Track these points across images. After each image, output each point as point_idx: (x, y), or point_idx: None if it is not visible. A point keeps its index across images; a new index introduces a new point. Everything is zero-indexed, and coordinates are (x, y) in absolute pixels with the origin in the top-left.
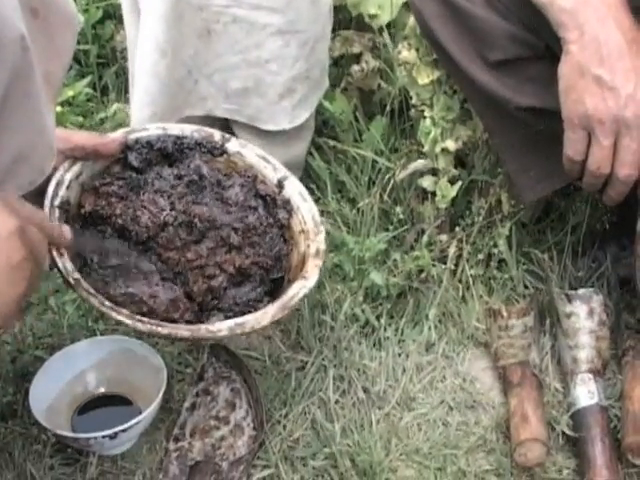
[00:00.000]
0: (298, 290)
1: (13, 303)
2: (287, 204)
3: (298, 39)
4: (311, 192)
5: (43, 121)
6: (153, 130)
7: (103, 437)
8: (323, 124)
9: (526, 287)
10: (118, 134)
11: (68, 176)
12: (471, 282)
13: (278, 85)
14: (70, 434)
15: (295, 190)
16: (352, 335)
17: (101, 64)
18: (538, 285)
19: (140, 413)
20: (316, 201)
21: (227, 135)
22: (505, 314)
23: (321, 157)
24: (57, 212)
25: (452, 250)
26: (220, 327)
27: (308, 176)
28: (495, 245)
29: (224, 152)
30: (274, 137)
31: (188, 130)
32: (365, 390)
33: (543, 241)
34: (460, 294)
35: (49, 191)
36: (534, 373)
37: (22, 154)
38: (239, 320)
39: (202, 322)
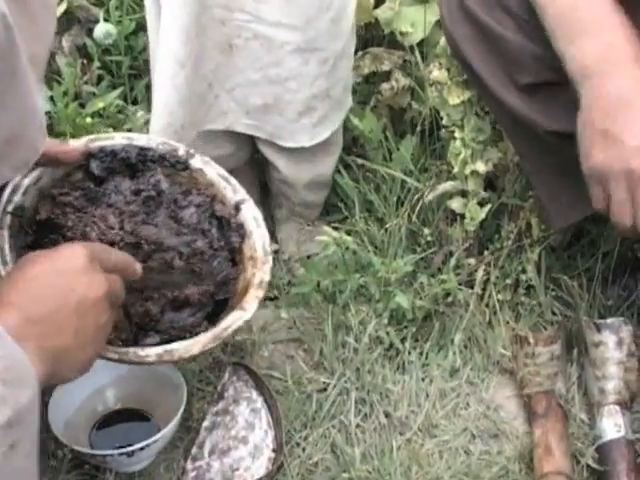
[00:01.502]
0: (233, 321)
1: (92, 358)
2: (241, 228)
3: (318, 57)
4: (338, 211)
5: (32, 100)
6: (118, 139)
7: (120, 455)
8: (352, 142)
9: (554, 314)
10: (80, 143)
11: (26, 181)
12: (498, 307)
13: (297, 103)
14: (87, 450)
15: (250, 214)
16: (375, 358)
17: (133, 75)
18: (566, 312)
19: (159, 430)
20: (343, 220)
21: (192, 151)
22: (532, 341)
23: (349, 176)
24: (8, 218)
25: (480, 274)
26: (148, 353)
27: (336, 194)
28: (524, 270)
29: (187, 167)
30: (300, 154)
31: (154, 142)
32: (387, 415)
33: (573, 267)
34: (487, 319)
35: (4, 196)
36: (560, 404)
37: (15, 134)
38: (168, 347)
39: (138, 342)
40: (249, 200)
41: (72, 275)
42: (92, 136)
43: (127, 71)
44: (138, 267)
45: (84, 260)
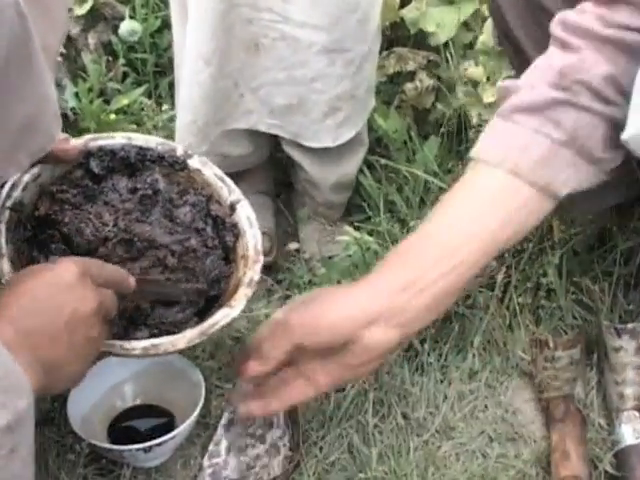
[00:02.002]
0: (221, 318)
1: (84, 370)
2: (235, 227)
3: (344, 58)
4: (361, 211)
5: (46, 87)
6: (118, 139)
7: (137, 450)
8: (376, 142)
9: (575, 318)
10: (80, 141)
11: (26, 178)
12: (518, 310)
13: (322, 103)
14: (104, 445)
15: (244, 214)
16: (394, 359)
17: (157, 73)
18: (587, 316)
19: (176, 426)
20: (365, 220)
21: (190, 151)
22: (552, 345)
23: (372, 176)
24: (7, 213)
25: (500, 277)
26: (135, 346)
27: (358, 194)
28: (544, 274)
29: (185, 167)
30: (325, 154)
31: (153, 142)
32: (405, 416)
33: (594, 271)
34: (506, 322)
35: (3, 192)
36: (578, 408)
37: (31, 121)
38: (155, 341)
39: (129, 335)
40: (244, 200)
41: (63, 290)
42: (93, 135)
43: (152, 68)
44: (131, 281)
45: (75, 275)
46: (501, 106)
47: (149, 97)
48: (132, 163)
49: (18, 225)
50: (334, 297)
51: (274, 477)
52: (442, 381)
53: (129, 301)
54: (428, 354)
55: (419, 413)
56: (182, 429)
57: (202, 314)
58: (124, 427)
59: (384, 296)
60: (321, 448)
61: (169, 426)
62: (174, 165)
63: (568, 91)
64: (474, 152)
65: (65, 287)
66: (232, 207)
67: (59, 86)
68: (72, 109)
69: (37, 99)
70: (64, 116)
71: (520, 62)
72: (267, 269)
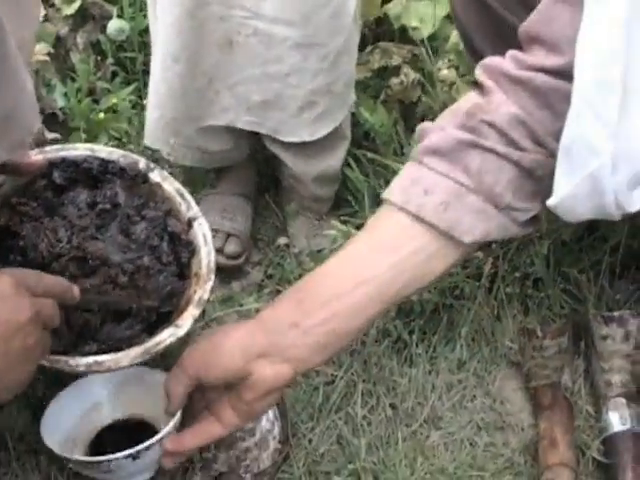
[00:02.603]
0: (166, 337)
1: (26, 378)
2: (190, 245)
3: (317, 53)
4: (349, 205)
5: (23, 81)
6: (81, 150)
7: (125, 457)
8: (363, 136)
9: (562, 307)
10: (40, 156)
11: None
12: (506, 300)
13: (298, 98)
14: (89, 458)
15: (201, 232)
16: (383, 350)
17: (146, 72)
18: (575, 306)
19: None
20: (353, 214)
21: (152, 165)
22: (540, 334)
23: (360, 170)
24: None
25: (487, 267)
26: (79, 362)
27: (346, 188)
28: (532, 263)
29: (146, 180)
30: (306, 148)
31: (115, 155)
32: (393, 407)
33: (581, 261)
34: (494, 312)
35: None
36: (565, 396)
37: (9, 114)
38: (99, 359)
39: (77, 348)
40: (201, 217)
41: None
42: (57, 146)
43: (141, 67)
44: (75, 291)
45: (9, 286)
46: (416, 148)
47: (139, 96)
48: (94, 175)
49: None
50: (224, 333)
51: (264, 469)
52: (430, 372)
53: (78, 315)
54: (416, 345)
55: (408, 404)
56: (169, 429)
57: (154, 329)
58: (105, 446)
59: (271, 332)
60: (310, 440)
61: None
62: (135, 178)
63: (474, 132)
64: (384, 193)
65: None
66: (189, 223)
67: (48, 86)
68: (61, 109)
69: (14, 93)
70: (53, 116)
71: None
72: (238, 270)
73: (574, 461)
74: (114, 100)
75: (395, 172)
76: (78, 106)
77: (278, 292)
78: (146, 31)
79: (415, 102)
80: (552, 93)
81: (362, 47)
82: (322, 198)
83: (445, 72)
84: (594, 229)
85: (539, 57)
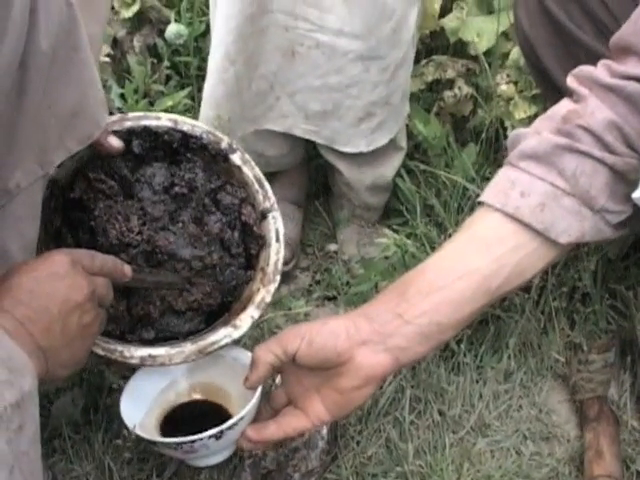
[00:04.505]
0: (222, 337)
1: (83, 356)
2: (261, 238)
3: (378, 65)
4: (399, 215)
5: (92, 74)
6: (164, 120)
7: (209, 437)
8: (414, 148)
9: (609, 323)
10: (119, 142)
11: None
12: (553, 314)
13: (357, 109)
14: (175, 440)
15: (274, 226)
16: (431, 358)
17: (201, 76)
18: (621, 322)
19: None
20: (403, 224)
21: (235, 145)
22: (586, 348)
23: (411, 180)
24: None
25: (536, 281)
26: (133, 354)
27: (396, 198)
28: (580, 279)
29: (226, 160)
30: (361, 158)
31: (199, 130)
32: (441, 413)
33: (628, 277)
34: (542, 325)
35: None
36: (611, 409)
37: (78, 107)
38: (153, 352)
39: (135, 333)
40: (277, 211)
41: (55, 280)
42: (139, 113)
43: (195, 72)
44: (127, 269)
45: (67, 265)
46: (510, 152)
47: (192, 100)
48: (174, 148)
49: (51, 199)
50: (327, 320)
51: (311, 469)
52: (478, 381)
53: (140, 306)
54: (464, 354)
55: (455, 411)
56: (250, 407)
57: (212, 319)
58: (172, 423)
59: (375, 322)
60: (358, 442)
61: (221, 419)
62: (215, 157)
63: (570, 136)
64: (481, 196)
65: (57, 276)
66: (263, 214)
67: (104, 87)
68: (118, 109)
69: (84, 85)
70: (110, 115)
71: (552, 92)
72: (287, 275)
73: (619, 473)
74: (169, 103)
75: (445, 184)
76: (135, 107)
77: (326, 297)
78: (202, 36)
79: (466, 116)
80: None
81: (416, 60)
82: (373, 207)
83: (504, 87)
84: (638, 247)
85: (630, 66)
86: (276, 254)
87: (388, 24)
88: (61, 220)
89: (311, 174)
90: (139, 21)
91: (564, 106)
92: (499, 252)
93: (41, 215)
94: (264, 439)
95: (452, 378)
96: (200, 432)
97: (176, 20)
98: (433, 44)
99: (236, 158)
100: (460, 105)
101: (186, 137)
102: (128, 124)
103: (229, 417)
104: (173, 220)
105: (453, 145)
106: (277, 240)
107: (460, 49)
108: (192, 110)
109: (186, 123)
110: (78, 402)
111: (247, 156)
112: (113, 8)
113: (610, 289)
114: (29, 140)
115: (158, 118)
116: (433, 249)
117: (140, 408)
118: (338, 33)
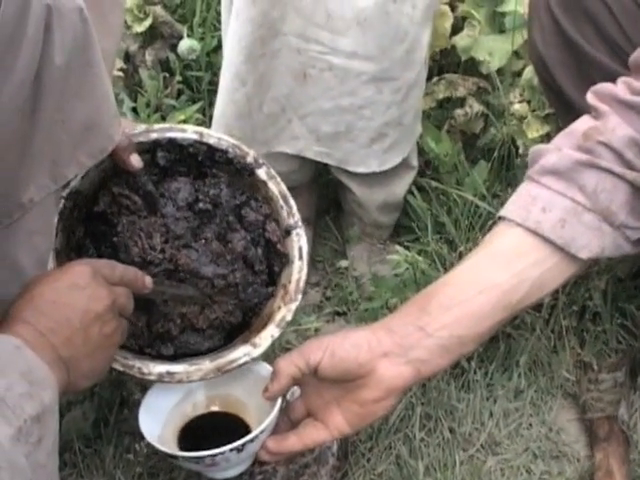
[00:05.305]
0: (241, 356)
1: (104, 366)
2: (284, 257)
3: (391, 86)
4: (409, 232)
5: (106, 89)
6: (190, 133)
7: (231, 450)
8: (425, 165)
9: (619, 342)
10: (139, 160)
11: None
12: (564, 332)
13: (370, 130)
14: (196, 454)
15: (297, 244)
16: (442, 375)
17: (212, 91)
18: (631, 341)
19: (249, 431)
20: (414, 241)
21: (261, 160)
22: (596, 367)
23: (422, 197)
24: (61, 204)
25: (547, 299)
26: (151, 371)
27: (407, 215)
28: (590, 298)
29: (252, 175)
30: (372, 177)
31: (225, 143)
32: (451, 431)
33: (639, 297)
34: (552, 344)
35: None
36: (622, 429)
37: (91, 121)
38: (171, 369)
39: (153, 347)
40: (301, 227)
41: (76, 290)
42: (165, 125)
43: (206, 87)
44: (147, 280)
45: (87, 276)
46: (531, 168)
47: (203, 114)
48: (199, 161)
49: (74, 209)
50: (348, 332)
51: None
52: (488, 398)
53: (160, 323)
54: (474, 372)
55: (465, 428)
56: (272, 418)
57: (233, 335)
58: (191, 436)
59: (396, 334)
60: (369, 459)
61: (241, 431)
62: (241, 171)
63: (590, 153)
64: (501, 211)
65: (78, 287)
66: (287, 231)
67: (117, 100)
68: None
69: (97, 100)
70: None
71: (566, 112)
72: None
73: None
74: (181, 117)
75: (456, 201)
76: (147, 121)
77: (337, 313)
78: (214, 51)
79: (477, 134)
80: None
81: (427, 78)
82: (384, 225)
83: (517, 106)
84: None
85: None
86: (299, 272)
87: (401, 46)
88: (84, 231)
89: (321, 190)
90: (151, 36)
91: (584, 122)
92: (519, 267)
93: (64, 225)
94: (284, 451)
95: (462, 396)
96: (218, 444)
97: (188, 35)
98: (444, 62)
99: (262, 173)
100: (471, 123)
101: (212, 150)
102: (154, 136)
103: (247, 429)
104: (196, 237)
105: (464, 162)
106: (300, 258)
107: (471, 67)
108: (203, 125)
109: (212, 136)
110: (89, 416)
111: (273, 171)
112: (125, 22)
113: (620, 308)
114: (42, 155)
115: (184, 130)
116: (444, 266)
117: (158, 421)
118: (351, 55)
